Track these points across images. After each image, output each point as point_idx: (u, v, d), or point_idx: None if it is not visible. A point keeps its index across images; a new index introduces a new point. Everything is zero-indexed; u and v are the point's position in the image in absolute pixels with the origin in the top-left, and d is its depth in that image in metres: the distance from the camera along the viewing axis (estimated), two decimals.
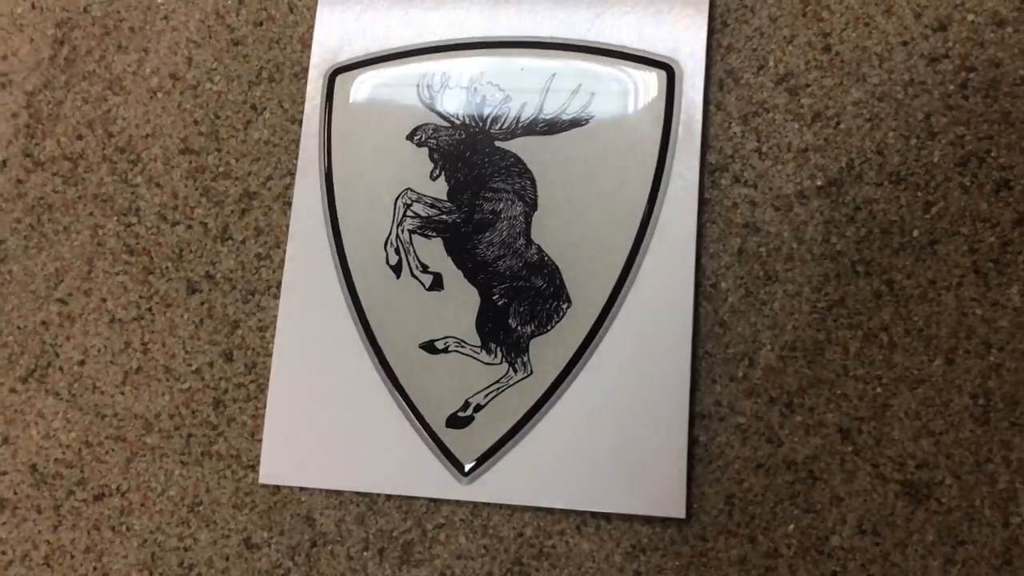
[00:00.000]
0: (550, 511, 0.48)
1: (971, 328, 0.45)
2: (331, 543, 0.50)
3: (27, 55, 0.59)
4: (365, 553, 0.49)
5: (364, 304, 0.50)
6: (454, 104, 0.51)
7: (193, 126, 0.55)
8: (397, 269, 0.50)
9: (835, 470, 0.45)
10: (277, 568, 0.50)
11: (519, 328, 0.49)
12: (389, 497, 0.49)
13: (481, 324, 0.49)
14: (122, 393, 0.53)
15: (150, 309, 0.54)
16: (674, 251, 0.48)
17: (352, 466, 0.49)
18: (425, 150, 0.51)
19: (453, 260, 0.50)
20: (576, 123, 0.50)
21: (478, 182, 0.50)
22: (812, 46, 0.49)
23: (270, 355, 0.51)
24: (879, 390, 0.45)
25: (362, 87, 0.53)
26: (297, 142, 0.53)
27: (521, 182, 0.50)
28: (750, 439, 0.46)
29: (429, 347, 0.49)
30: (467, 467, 0.48)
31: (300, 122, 0.54)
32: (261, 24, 0.56)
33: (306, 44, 0.54)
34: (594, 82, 0.50)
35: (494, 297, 0.49)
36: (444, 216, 0.50)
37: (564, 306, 0.48)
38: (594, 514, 0.47)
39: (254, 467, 0.51)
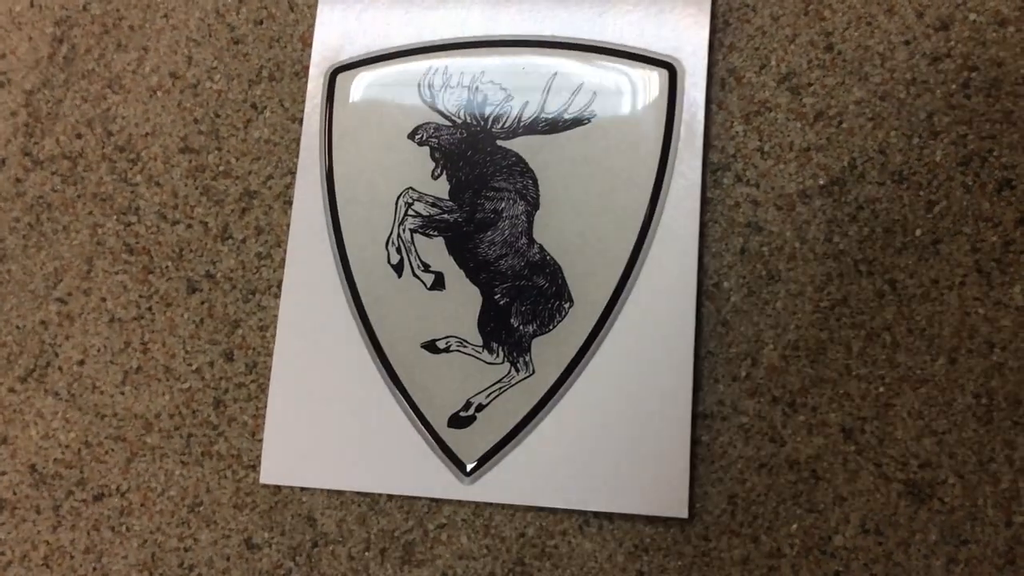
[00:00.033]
0: (552, 511, 0.47)
1: (974, 327, 0.45)
2: (332, 543, 0.49)
3: (26, 53, 0.58)
4: (367, 553, 0.49)
5: (365, 303, 0.50)
6: (455, 103, 0.51)
7: (193, 125, 0.55)
8: (398, 268, 0.50)
9: (838, 470, 0.45)
10: (278, 568, 0.50)
11: (521, 328, 0.49)
12: (391, 497, 0.49)
13: (483, 324, 0.49)
14: (122, 393, 0.53)
15: (150, 309, 0.54)
16: (676, 250, 0.48)
17: (353, 466, 0.49)
18: (426, 149, 0.51)
19: (455, 259, 0.50)
20: (578, 122, 0.50)
21: (480, 181, 0.50)
22: (814, 45, 0.49)
23: (271, 355, 0.51)
24: (882, 389, 0.45)
25: (363, 86, 0.53)
26: (298, 141, 0.53)
27: (523, 181, 0.50)
28: (753, 439, 0.46)
29: (431, 347, 0.49)
30: (469, 467, 0.48)
31: (301, 121, 0.53)
32: (261, 23, 0.56)
33: (307, 43, 0.54)
34: (596, 81, 0.50)
35: (496, 296, 0.49)
36: (446, 215, 0.50)
37: (566, 305, 0.48)
38: (596, 514, 0.47)
39: (255, 467, 0.51)
